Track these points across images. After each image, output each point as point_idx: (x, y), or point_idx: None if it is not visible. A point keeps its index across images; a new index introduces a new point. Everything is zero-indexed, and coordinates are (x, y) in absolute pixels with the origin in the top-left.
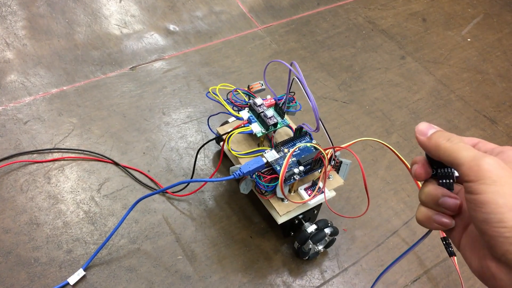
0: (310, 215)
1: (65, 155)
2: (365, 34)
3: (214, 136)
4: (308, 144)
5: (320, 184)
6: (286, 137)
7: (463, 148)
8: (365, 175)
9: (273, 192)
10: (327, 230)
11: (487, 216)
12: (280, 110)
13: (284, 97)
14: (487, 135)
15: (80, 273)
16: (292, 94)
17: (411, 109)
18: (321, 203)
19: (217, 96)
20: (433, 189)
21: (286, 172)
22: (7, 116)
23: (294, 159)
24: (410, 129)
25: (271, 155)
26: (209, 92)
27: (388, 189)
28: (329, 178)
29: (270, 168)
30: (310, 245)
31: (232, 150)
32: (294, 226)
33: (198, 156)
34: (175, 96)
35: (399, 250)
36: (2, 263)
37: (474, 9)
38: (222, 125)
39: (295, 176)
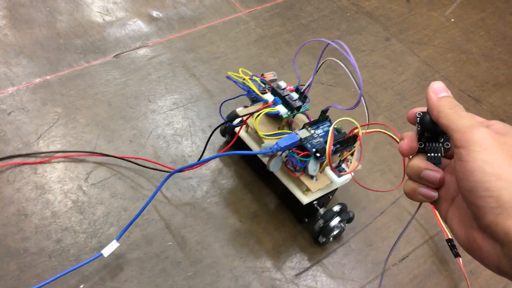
0: (324, 200)
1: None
2: (349, 17)
3: (201, 122)
4: (347, 119)
5: (355, 158)
6: (302, 124)
7: (463, 116)
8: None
9: (304, 170)
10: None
11: (474, 184)
12: (301, 95)
13: (310, 80)
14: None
15: (114, 244)
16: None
17: (397, 90)
18: (334, 189)
19: (244, 79)
20: (417, 162)
21: (320, 148)
22: None
23: (321, 139)
24: (396, 110)
25: (303, 132)
26: (229, 76)
27: (375, 170)
28: (348, 161)
29: (300, 147)
30: (336, 223)
31: (259, 130)
32: (309, 211)
33: (185, 142)
34: (160, 83)
35: (387, 230)
36: None
37: None
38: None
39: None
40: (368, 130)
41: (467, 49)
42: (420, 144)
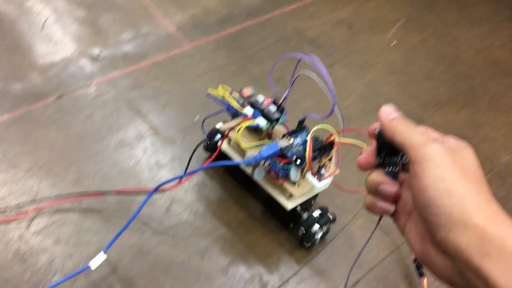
0: (307, 205)
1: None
2: (293, 45)
3: (147, 159)
4: (323, 126)
5: (333, 163)
6: (281, 135)
7: (416, 133)
8: None
9: (286, 177)
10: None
11: (428, 201)
12: (279, 107)
13: (285, 93)
14: None
15: (101, 256)
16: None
17: (343, 114)
18: (316, 194)
19: (222, 96)
20: (375, 177)
21: (300, 155)
22: None
23: (301, 147)
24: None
25: (283, 142)
26: (209, 93)
27: (331, 188)
28: (327, 166)
29: (281, 155)
30: (317, 229)
31: (241, 142)
32: (293, 216)
33: (132, 182)
34: (104, 123)
35: (339, 255)
36: None
37: (397, 13)
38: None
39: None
40: (342, 140)
41: (408, 71)
42: (379, 159)
